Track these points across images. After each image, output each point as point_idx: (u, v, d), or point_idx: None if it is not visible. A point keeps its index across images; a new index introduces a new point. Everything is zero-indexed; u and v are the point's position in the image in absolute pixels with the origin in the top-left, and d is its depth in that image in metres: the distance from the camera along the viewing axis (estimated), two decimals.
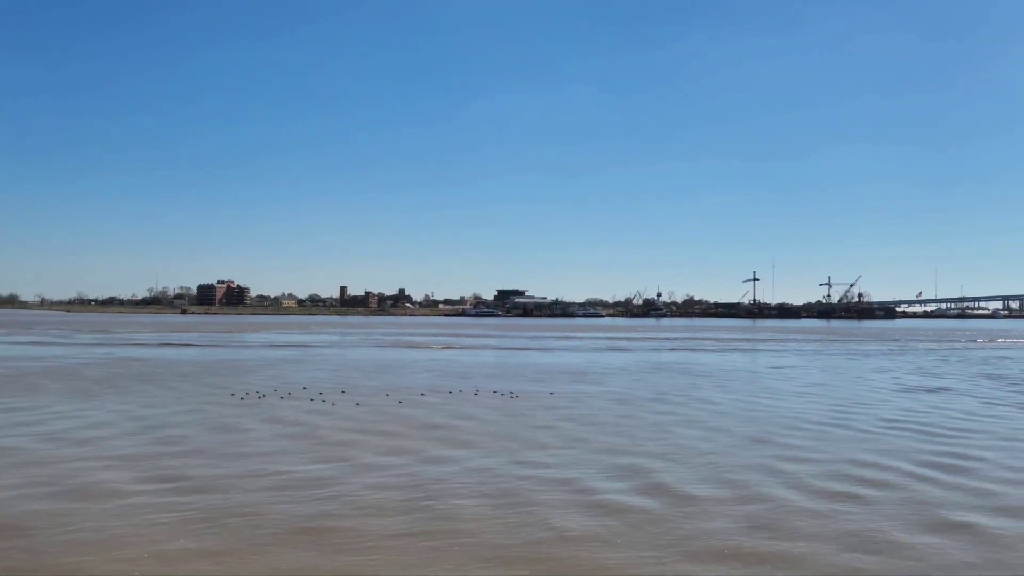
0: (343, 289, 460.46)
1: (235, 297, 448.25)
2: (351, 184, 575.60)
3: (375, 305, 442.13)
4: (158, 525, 18.11)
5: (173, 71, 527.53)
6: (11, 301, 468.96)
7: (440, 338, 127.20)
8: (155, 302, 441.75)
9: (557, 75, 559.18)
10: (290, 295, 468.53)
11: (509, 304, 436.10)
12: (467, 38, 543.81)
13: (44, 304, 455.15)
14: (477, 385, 50.00)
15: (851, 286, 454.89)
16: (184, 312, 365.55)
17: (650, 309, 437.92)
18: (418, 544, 17.01)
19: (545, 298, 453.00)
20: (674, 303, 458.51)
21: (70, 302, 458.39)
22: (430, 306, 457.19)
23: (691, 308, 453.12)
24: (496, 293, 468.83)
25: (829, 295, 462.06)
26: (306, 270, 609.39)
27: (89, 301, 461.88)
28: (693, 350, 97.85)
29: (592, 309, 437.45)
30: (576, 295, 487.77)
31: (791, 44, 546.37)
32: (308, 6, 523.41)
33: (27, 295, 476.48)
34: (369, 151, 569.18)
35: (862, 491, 21.76)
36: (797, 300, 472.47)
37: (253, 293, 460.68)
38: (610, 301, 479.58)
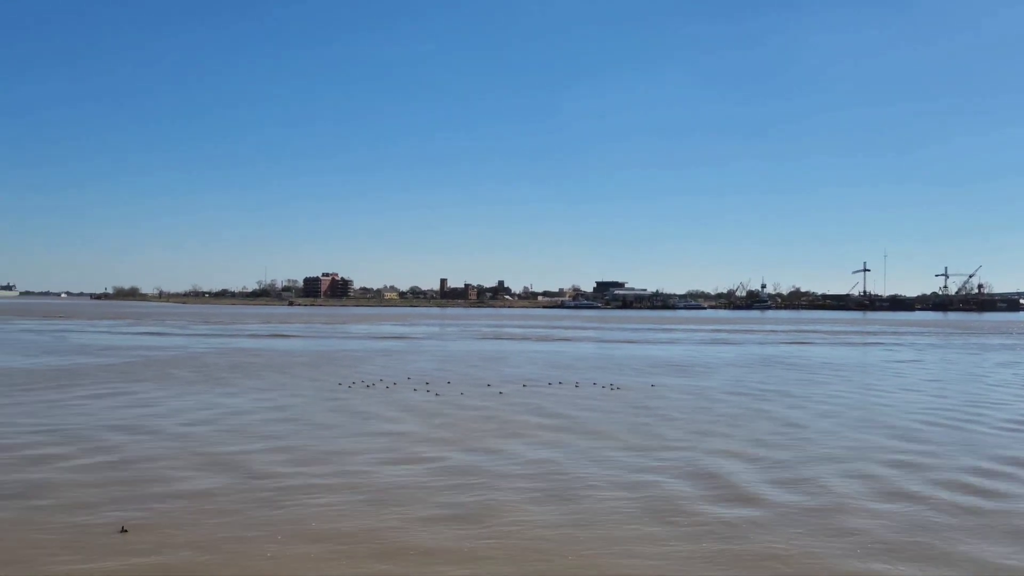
0: (443, 281, 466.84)
1: (339, 289, 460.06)
2: (451, 178, 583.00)
3: (475, 297, 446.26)
4: (283, 523, 18.70)
5: (275, 68, 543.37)
6: (133, 293, 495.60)
7: (540, 330, 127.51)
8: (264, 294, 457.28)
9: (658, 68, 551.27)
10: (392, 287, 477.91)
11: (608, 296, 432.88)
12: (566, 32, 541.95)
13: (162, 296, 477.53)
14: (578, 377, 49.89)
15: (970, 277, 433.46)
16: (291, 304, 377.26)
17: (754, 301, 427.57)
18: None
19: (645, 290, 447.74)
20: (779, 295, 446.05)
21: (186, 294, 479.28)
22: (529, 298, 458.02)
23: (797, 300, 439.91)
24: (595, 285, 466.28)
25: (946, 286, 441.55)
26: (407, 262, 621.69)
27: (203, 293, 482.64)
28: (801, 343, 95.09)
29: (693, 301, 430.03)
30: (677, 287, 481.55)
31: (898, 33, 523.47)
32: (409, 4, 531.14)
33: (147, 288, 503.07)
34: (469, 145, 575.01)
35: (977, 502, 20.38)
36: (911, 292, 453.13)
37: (356, 285, 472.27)
38: (712, 293, 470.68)
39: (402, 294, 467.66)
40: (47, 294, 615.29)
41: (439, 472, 22.81)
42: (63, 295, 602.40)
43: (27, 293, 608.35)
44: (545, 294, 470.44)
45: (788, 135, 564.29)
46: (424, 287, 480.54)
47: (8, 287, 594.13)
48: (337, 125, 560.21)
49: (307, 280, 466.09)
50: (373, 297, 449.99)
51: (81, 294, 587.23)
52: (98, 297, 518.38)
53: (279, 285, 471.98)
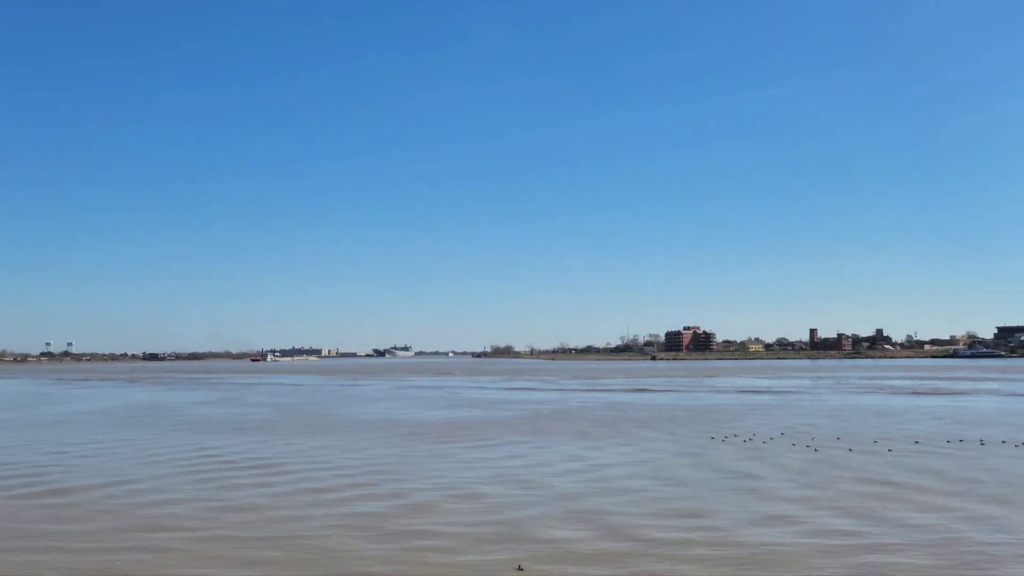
0: (812, 332, 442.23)
1: (701, 343, 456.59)
2: (818, 222, 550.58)
3: (849, 347, 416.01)
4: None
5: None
6: (507, 351, 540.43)
7: (928, 382, 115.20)
8: (627, 349, 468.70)
9: None
10: (756, 339, 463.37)
11: (1014, 343, 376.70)
12: (947, 39, 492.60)
13: (533, 353, 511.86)
14: (988, 434, 44.08)
15: None
16: (653, 358, 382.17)
17: None
18: None
19: None
20: None
21: (554, 351, 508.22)
22: (913, 347, 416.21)
23: None
24: (996, 331, 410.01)
25: None
26: (773, 313, 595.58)
27: (569, 350, 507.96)
28: None
29: None
30: None
31: None
32: (786, 40, 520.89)
33: (519, 346, 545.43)
34: (833, 182, 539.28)
35: None
36: None
37: (719, 338, 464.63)
38: None
39: (768, 346, 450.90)
40: (436, 353, 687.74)
41: (815, 534, 21.14)
42: (450, 354, 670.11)
43: (420, 353, 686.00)
44: (933, 342, 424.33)
45: None
46: (791, 338, 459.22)
47: (406, 348, 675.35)
48: (688, 174, 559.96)
49: (668, 334, 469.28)
50: (737, 350, 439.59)
51: (464, 352, 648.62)
52: (478, 355, 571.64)
53: (641, 340, 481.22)
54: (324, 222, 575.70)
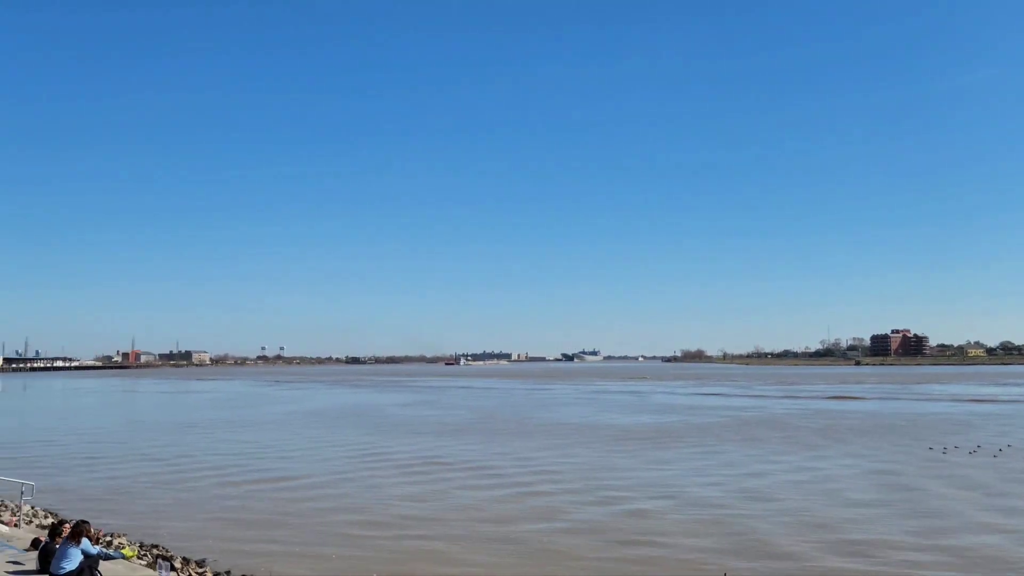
0: None
1: (912, 347, 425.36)
2: None
3: None
4: None
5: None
6: (698, 355, 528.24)
7: None
8: (828, 354, 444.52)
9: None
10: (976, 343, 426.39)
11: None
12: None
13: (725, 358, 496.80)
14: None
15: None
16: (857, 363, 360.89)
17: None
18: None
19: None
20: None
21: (748, 356, 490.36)
22: None
23: None
24: None
25: None
26: (996, 314, 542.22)
27: (765, 354, 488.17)
28: None
29: None
30: None
31: None
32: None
33: (711, 350, 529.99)
34: None
35: None
36: None
37: (932, 342, 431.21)
38: None
39: (990, 351, 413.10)
40: (625, 358, 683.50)
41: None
42: (639, 358, 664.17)
43: (609, 357, 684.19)
44: None
45: None
46: (1017, 341, 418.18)
47: (594, 352, 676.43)
48: (898, 163, 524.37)
49: (874, 338, 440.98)
50: (953, 355, 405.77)
51: (654, 357, 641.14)
52: (668, 359, 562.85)
53: (843, 344, 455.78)
54: (515, 232, 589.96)
